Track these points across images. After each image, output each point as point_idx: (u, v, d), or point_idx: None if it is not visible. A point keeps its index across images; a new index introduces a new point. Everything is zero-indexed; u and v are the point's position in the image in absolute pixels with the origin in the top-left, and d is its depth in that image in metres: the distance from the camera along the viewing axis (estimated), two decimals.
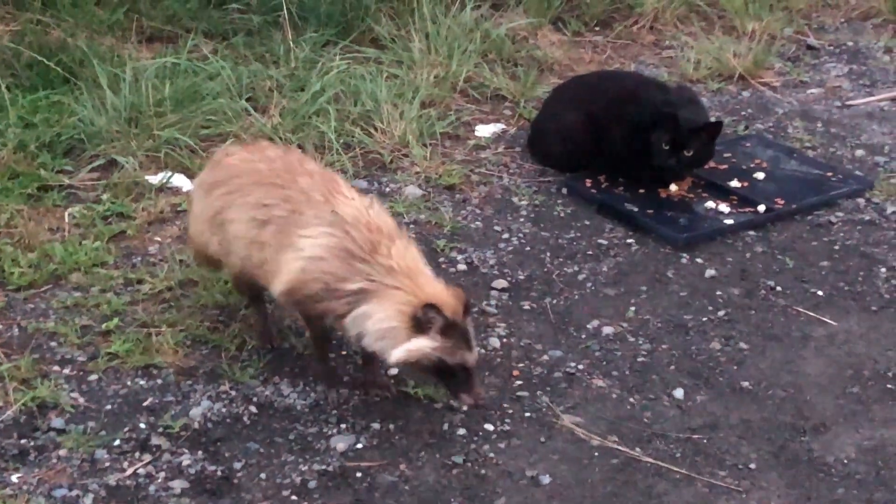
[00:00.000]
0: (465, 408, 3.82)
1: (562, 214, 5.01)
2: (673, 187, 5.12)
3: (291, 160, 3.93)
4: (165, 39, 6.03)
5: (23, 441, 3.63)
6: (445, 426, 3.82)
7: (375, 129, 5.40)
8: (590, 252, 4.76)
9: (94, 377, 3.91)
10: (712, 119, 5.31)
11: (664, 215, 4.95)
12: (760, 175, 5.26)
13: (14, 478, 3.49)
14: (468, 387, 3.66)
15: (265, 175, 3.86)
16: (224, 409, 3.83)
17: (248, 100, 5.44)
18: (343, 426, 3.80)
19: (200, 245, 4.06)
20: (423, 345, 3.59)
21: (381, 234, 3.69)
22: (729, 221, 4.93)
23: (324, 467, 3.63)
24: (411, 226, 4.85)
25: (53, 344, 4.03)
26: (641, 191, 5.11)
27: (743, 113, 5.93)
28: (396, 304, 3.61)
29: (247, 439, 3.72)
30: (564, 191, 5.16)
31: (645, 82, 5.41)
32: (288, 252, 3.72)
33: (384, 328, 3.62)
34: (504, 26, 6.21)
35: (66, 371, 3.92)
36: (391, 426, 3.81)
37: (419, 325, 3.57)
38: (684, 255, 4.74)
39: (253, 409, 3.84)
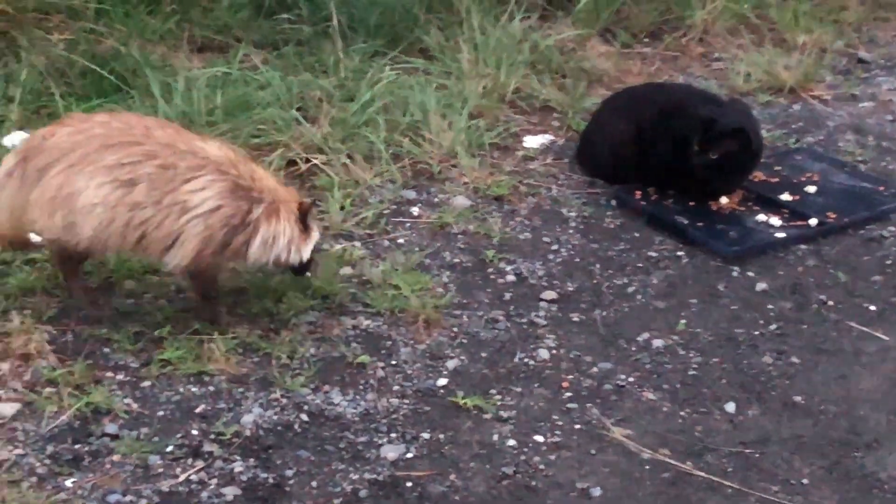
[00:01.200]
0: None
1: (611, 226, 5.00)
2: (723, 200, 5.10)
3: (127, 119, 4.10)
4: (216, 49, 6.07)
5: (77, 446, 3.66)
6: (495, 437, 3.82)
7: (424, 140, 5.41)
8: (639, 264, 4.75)
9: (147, 383, 3.93)
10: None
11: (715, 228, 4.93)
12: (812, 189, 5.23)
13: (68, 482, 3.51)
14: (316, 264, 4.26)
15: (113, 136, 3.93)
16: (275, 417, 3.84)
17: (298, 109, 5.46)
18: (393, 435, 3.81)
19: (17, 233, 4.10)
20: (315, 238, 4.17)
21: (244, 163, 4.05)
22: (780, 235, 4.90)
23: (374, 476, 3.64)
24: (459, 236, 4.86)
25: (107, 350, 4.06)
26: (691, 203, 5.09)
27: (793, 126, 5.90)
28: (289, 214, 4.04)
29: (298, 447, 3.73)
30: (614, 202, 5.15)
31: (696, 94, 5.39)
32: (179, 215, 3.88)
33: (292, 239, 4.05)
34: (552, 37, 6.21)
35: (120, 377, 3.95)
36: (441, 436, 3.81)
37: (305, 225, 4.09)
38: (735, 268, 4.72)
39: (304, 417, 3.86)
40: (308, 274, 4.29)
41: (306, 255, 4.13)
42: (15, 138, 4.90)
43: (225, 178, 3.95)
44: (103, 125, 3.99)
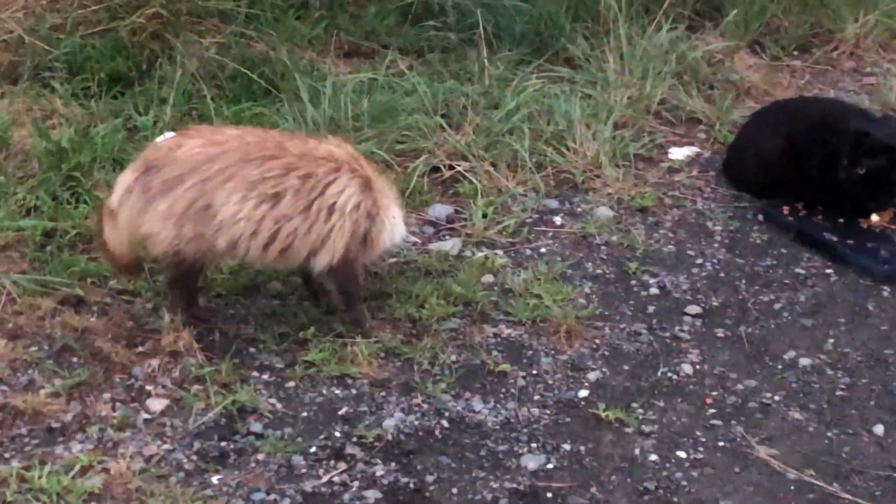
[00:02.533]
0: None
1: (758, 241, 4.92)
2: (874, 218, 4.98)
3: (258, 132, 4.16)
4: (363, 55, 6.12)
5: (223, 444, 3.72)
6: (637, 451, 3.78)
7: (568, 149, 5.39)
8: (786, 281, 4.66)
9: (291, 384, 3.98)
10: None
11: (865, 246, 4.82)
12: None
13: (214, 479, 3.57)
14: None
15: (251, 150, 3.97)
16: (416, 422, 3.86)
17: (442, 116, 5.48)
18: (534, 445, 3.79)
19: (135, 251, 4.09)
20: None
21: (358, 156, 4.16)
22: None
23: (514, 485, 3.63)
24: (602, 247, 4.82)
25: (253, 350, 4.12)
26: (841, 220, 4.98)
27: None
28: (395, 195, 4.24)
29: (439, 453, 3.74)
30: (760, 217, 5.06)
31: (847, 109, 5.28)
32: (327, 218, 3.97)
33: (401, 218, 4.22)
34: (700, 48, 6.14)
35: (265, 377, 4.01)
36: (582, 448, 3.79)
37: None
38: (885, 287, 4.61)
39: (444, 423, 3.87)
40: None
41: (404, 229, 4.31)
42: (166, 139, 4.98)
43: (356, 174, 4.06)
44: (238, 139, 4.04)
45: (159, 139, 4.95)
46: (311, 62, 5.85)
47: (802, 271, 4.72)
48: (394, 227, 4.18)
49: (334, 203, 4.00)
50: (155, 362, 4.00)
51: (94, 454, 3.62)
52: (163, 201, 3.92)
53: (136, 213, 3.95)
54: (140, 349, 4.06)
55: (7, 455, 3.60)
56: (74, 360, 4.01)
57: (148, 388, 3.91)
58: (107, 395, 3.87)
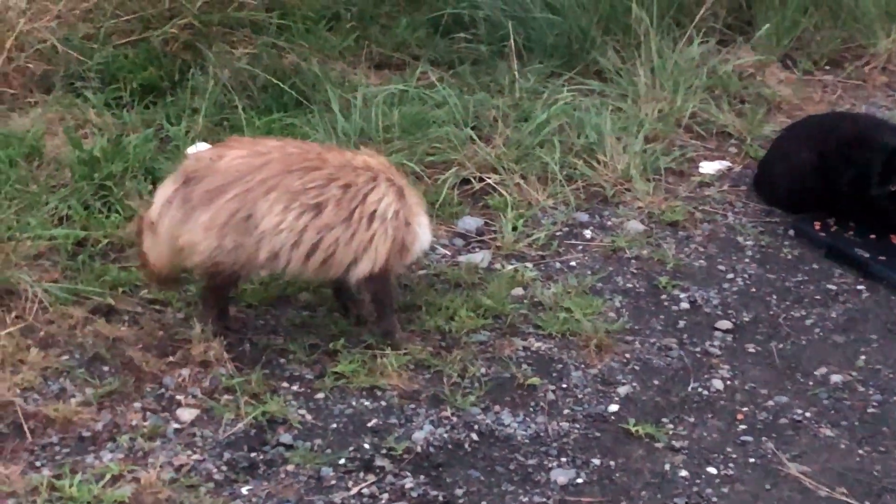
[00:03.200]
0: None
1: (789, 256, 4.90)
2: None
3: (298, 143, 4.23)
4: (393, 66, 6.13)
5: (252, 454, 3.72)
6: (667, 466, 3.77)
7: (598, 162, 5.38)
8: (818, 297, 4.64)
9: (320, 395, 3.98)
10: None
11: None
12: None
13: (244, 490, 3.58)
14: None
15: (293, 161, 3.99)
16: (446, 435, 3.85)
17: (472, 128, 5.48)
18: (563, 459, 3.78)
19: (174, 262, 4.07)
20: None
21: (391, 166, 4.21)
22: None
23: (544, 500, 3.62)
24: (632, 261, 4.81)
25: (283, 360, 4.12)
26: (872, 236, 4.95)
27: None
28: (423, 203, 4.29)
29: (468, 466, 3.73)
30: (792, 232, 5.04)
31: (880, 125, 5.25)
32: (368, 226, 4.00)
33: (428, 226, 4.24)
34: (731, 62, 6.12)
35: (295, 388, 4.01)
36: (611, 463, 3.78)
37: None
38: None
39: (474, 436, 3.86)
40: None
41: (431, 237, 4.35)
42: (197, 149, 5.00)
43: (392, 183, 4.10)
44: (280, 150, 4.06)
45: (191, 149, 4.98)
46: (342, 73, 5.87)
47: (834, 287, 4.70)
48: (424, 236, 4.21)
49: (374, 210, 4.02)
50: (185, 372, 4.01)
51: (125, 463, 3.63)
52: (204, 212, 3.94)
53: (177, 223, 3.97)
54: (170, 359, 4.07)
55: (38, 464, 3.62)
56: (105, 369, 4.02)
57: (178, 397, 3.92)
58: (137, 405, 3.88)
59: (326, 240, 3.98)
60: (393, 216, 4.05)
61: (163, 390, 3.95)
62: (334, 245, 3.99)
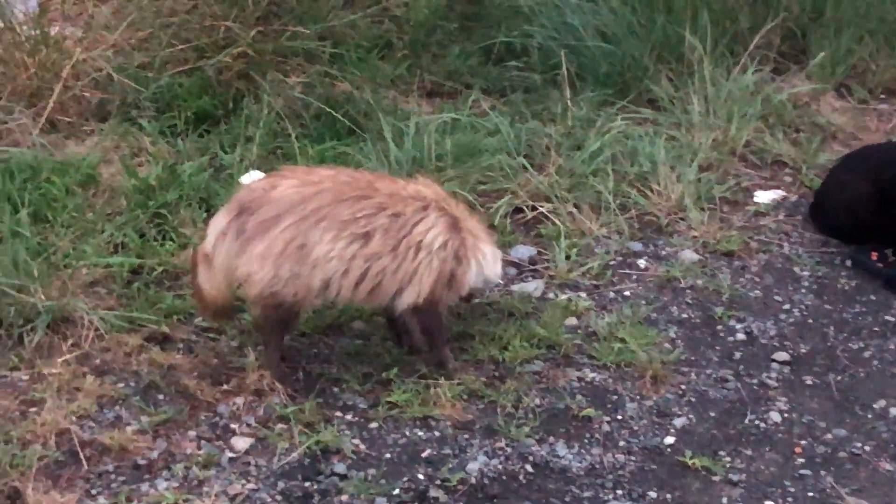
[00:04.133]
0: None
1: (846, 287, 4.84)
2: None
3: (350, 172, 4.23)
4: (445, 94, 6.14)
5: (307, 483, 3.71)
6: (724, 500, 3.73)
7: (652, 191, 5.35)
8: (876, 328, 4.58)
9: (374, 425, 3.97)
10: None
11: None
12: None
13: None
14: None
15: (344, 191, 3.99)
16: (500, 466, 3.83)
17: (525, 157, 5.47)
18: (619, 492, 3.75)
19: (231, 294, 4.08)
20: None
21: (447, 196, 4.21)
22: None
23: None
24: (687, 291, 4.77)
25: (336, 390, 4.12)
26: None
27: None
28: (487, 233, 4.27)
29: (522, 498, 3.71)
30: (848, 263, 4.99)
31: None
32: (414, 256, 3.99)
33: (494, 255, 4.24)
34: (786, 91, 6.08)
35: (349, 417, 4.00)
36: (668, 496, 3.74)
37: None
38: None
39: (528, 467, 3.83)
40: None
41: (499, 269, 4.32)
42: (251, 178, 5.02)
43: (444, 213, 4.09)
44: (332, 179, 4.07)
45: (244, 178, 5.00)
46: (394, 102, 5.88)
47: (892, 318, 4.64)
48: (483, 267, 4.18)
49: (421, 241, 4.01)
50: (239, 400, 4.01)
51: (180, 492, 3.63)
52: (259, 242, 3.94)
53: (233, 255, 3.97)
54: (225, 387, 4.08)
55: (94, 492, 3.63)
56: (160, 397, 4.04)
57: (232, 426, 3.93)
58: (192, 433, 3.89)
59: (374, 269, 3.98)
60: (440, 247, 4.04)
61: (217, 419, 3.96)
62: (381, 274, 3.99)
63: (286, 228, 3.94)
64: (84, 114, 5.56)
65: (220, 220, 4.04)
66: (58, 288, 4.33)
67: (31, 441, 3.79)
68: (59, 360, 4.10)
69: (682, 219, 5.24)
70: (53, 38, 5.59)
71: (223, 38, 5.86)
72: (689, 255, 4.99)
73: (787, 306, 4.70)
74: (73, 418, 3.88)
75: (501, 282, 4.69)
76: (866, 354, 4.43)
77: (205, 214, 4.79)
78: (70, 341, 4.20)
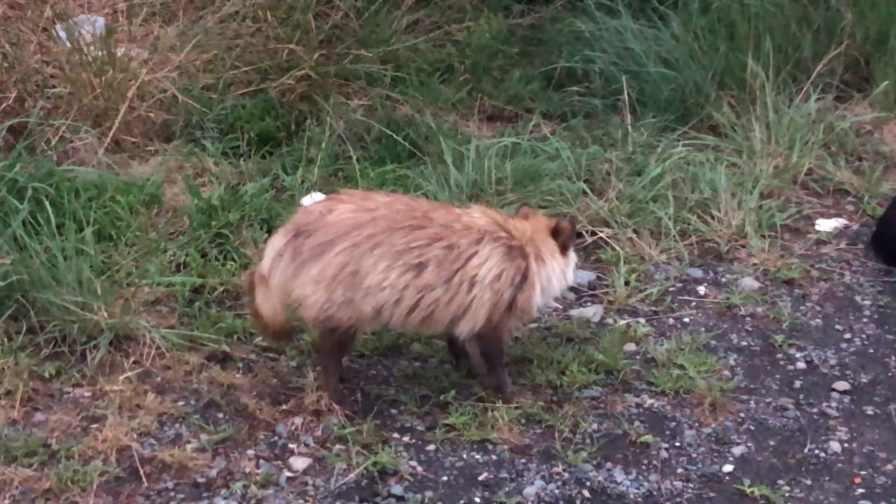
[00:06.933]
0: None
1: None
2: None
3: (406, 200, 4.20)
4: (506, 119, 6.16)
5: None
6: None
7: (712, 218, 5.33)
8: None
9: (431, 447, 3.98)
10: None
11: None
12: None
13: None
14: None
15: (399, 219, 3.98)
16: (557, 491, 3.82)
17: (585, 181, 5.47)
18: None
19: (287, 316, 4.08)
20: (573, 259, 4.27)
21: (505, 220, 4.15)
22: None
23: None
24: (747, 318, 4.74)
25: (394, 411, 4.13)
26: None
27: None
28: (551, 250, 4.15)
29: None
30: None
31: None
32: (469, 290, 3.98)
33: (562, 273, 4.18)
34: (849, 119, 6.04)
35: (406, 439, 4.01)
36: None
37: (564, 247, 4.20)
38: None
39: (586, 493, 3.82)
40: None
41: (571, 279, 4.25)
42: (312, 199, 5.06)
43: (499, 243, 4.06)
44: (388, 206, 4.06)
45: (306, 199, 5.03)
46: (454, 125, 5.91)
47: None
48: (548, 288, 4.15)
49: (475, 275, 4.00)
50: (298, 420, 4.04)
51: None
52: (314, 265, 3.96)
53: (289, 277, 3.99)
54: (284, 407, 4.11)
55: None
56: (220, 415, 4.07)
57: (291, 445, 3.95)
58: (251, 452, 3.91)
59: (426, 299, 3.98)
60: (494, 279, 4.01)
61: (276, 438, 3.98)
62: (434, 305, 3.99)
63: (339, 253, 3.96)
64: (148, 134, 5.63)
65: (277, 242, 4.07)
66: (120, 306, 4.39)
67: (91, 457, 3.83)
68: (121, 377, 4.15)
69: (742, 246, 5.21)
70: (120, 59, 5.67)
71: (286, 61, 5.93)
72: (749, 283, 4.96)
73: (847, 335, 4.66)
74: (134, 435, 3.92)
75: (560, 307, 4.69)
76: None
77: (266, 235, 4.84)
78: (132, 359, 4.25)
